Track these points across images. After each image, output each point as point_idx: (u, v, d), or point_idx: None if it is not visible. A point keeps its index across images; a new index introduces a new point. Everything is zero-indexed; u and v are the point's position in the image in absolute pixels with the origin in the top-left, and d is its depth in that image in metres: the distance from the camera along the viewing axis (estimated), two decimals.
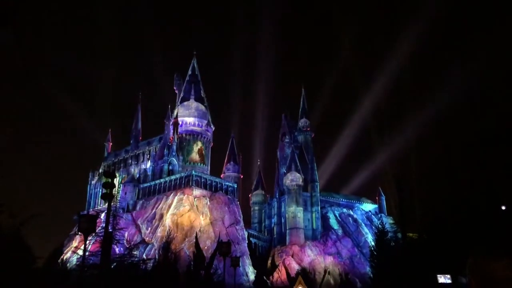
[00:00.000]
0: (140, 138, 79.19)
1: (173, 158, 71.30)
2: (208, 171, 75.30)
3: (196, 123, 77.02)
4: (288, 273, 63.82)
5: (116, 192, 65.20)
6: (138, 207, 66.55)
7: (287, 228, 74.40)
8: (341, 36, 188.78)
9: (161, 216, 61.29)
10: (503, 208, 20.77)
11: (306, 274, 60.89)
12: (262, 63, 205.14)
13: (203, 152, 76.60)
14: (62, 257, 54.74)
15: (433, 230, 23.27)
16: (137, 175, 73.03)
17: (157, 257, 50.74)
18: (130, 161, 76.14)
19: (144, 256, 53.37)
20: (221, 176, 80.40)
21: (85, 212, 68.07)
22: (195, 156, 75.24)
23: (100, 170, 78.14)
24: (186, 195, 62.06)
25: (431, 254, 21.68)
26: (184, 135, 75.74)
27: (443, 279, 18.98)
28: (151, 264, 38.10)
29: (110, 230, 20.18)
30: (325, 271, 66.11)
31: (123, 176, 73.76)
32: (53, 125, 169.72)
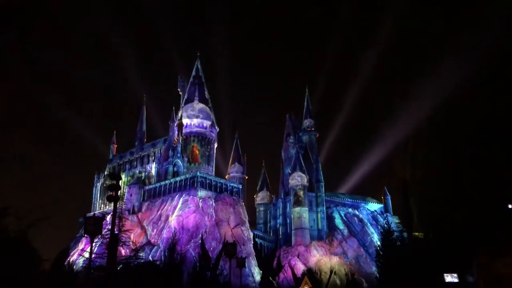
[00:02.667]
0: (145, 140, 79.44)
1: (178, 160, 71.43)
2: (213, 172, 75.38)
3: (201, 124, 77.14)
4: (294, 274, 63.75)
5: (121, 194, 65.44)
6: (143, 209, 66.73)
7: (293, 228, 74.34)
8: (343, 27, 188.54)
9: (167, 218, 61.42)
10: (510, 206, 20.66)
11: (312, 274, 60.80)
12: (265, 63, 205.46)
13: (208, 153, 76.71)
14: (68, 259, 54.95)
15: (439, 229, 23.19)
16: (142, 177, 73.25)
17: (163, 258, 50.84)
18: (135, 163, 76.36)
19: (150, 258, 53.56)
20: (226, 177, 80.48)
21: (91, 214, 68.33)
22: (199, 157, 75.37)
23: (105, 172, 78.43)
24: (191, 197, 62.16)
25: (437, 253, 21.61)
26: (188, 136, 75.86)
27: (450, 278, 18.89)
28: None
29: (116, 232, 20.24)
30: (331, 271, 66.00)
31: (128, 178, 74.00)
32: (58, 127, 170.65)
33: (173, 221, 59.81)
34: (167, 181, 67.68)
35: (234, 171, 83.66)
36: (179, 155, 71.78)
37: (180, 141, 73.22)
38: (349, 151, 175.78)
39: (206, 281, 42.05)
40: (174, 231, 57.12)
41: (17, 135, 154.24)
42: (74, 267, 44.27)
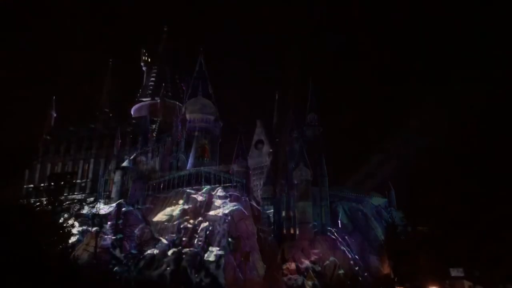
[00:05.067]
0: (149, 135, 79.50)
1: (182, 155, 71.51)
2: (217, 167, 75.41)
3: (204, 119, 77.14)
4: (298, 268, 63.86)
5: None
6: (147, 204, 66.84)
7: (296, 223, 74.34)
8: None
9: (171, 212, 61.55)
10: None
11: (316, 269, 60.90)
12: (270, 57, 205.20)
13: (211, 148, 76.74)
14: (73, 253, 55.26)
15: (445, 224, 23.16)
16: (147, 172, 73.33)
17: (169, 253, 51.09)
18: (139, 158, 76.47)
19: (155, 253, 53.84)
20: (230, 171, 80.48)
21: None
22: (203, 152, 75.41)
23: (109, 168, 78.51)
24: (195, 191, 62.26)
25: (443, 247, 21.57)
26: (192, 131, 75.88)
27: (456, 272, 18.84)
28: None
29: (121, 227, 20.35)
30: (335, 265, 66.09)
31: (133, 172, 74.09)
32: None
33: (177, 215, 59.91)
34: (171, 176, 67.79)
35: (238, 165, 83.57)
36: (183, 150, 71.86)
37: (184, 136, 73.31)
38: (354, 145, 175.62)
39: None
40: (179, 225, 57.35)
41: None
42: (79, 261, 44.51)
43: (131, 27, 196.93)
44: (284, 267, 65.41)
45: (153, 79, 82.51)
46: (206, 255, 53.46)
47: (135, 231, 57.51)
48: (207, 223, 58.10)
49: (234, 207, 62.93)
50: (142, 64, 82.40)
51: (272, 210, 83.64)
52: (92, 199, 64.32)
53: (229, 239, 55.22)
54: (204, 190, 62.75)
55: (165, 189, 66.94)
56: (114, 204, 61.09)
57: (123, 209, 60.27)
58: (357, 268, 65.52)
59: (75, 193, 66.45)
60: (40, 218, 21.05)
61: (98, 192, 78.59)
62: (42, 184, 65.57)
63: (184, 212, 60.11)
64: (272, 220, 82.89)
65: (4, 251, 15.99)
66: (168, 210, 62.32)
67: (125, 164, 66.66)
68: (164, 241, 56.75)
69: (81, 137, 73.18)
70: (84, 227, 56.83)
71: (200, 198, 61.51)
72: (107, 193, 65.93)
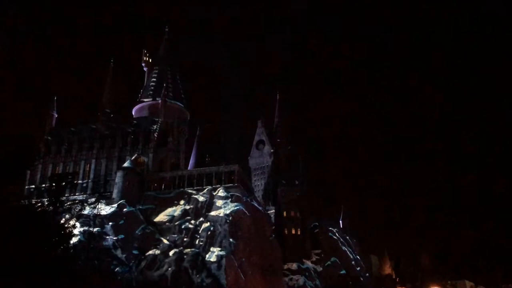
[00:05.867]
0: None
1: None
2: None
3: None
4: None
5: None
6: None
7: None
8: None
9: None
10: None
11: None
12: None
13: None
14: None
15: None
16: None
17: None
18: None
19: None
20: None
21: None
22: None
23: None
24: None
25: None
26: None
27: None
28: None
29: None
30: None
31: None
32: None
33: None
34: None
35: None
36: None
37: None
38: None
39: None
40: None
41: None
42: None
43: (132, 27, 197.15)
44: (286, 267, 65.38)
45: (154, 79, 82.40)
46: (207, 255, 53.47)
47: (137, 232, 57.58)
48: (208, 224, 58.02)
49: (236, 208, 62.78)
50: (143, 64, 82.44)
51: (273, 210, 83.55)
52: (93, 199, 64.16)
53: (231, 239, 55.15)
54: (205, 190, 62.69)
55: (166, 189, 66.85)
56: (115, 205, 61.12)
57: (125, 209, 60.32)
58: (358, 269, 65.41)
59: (77, 194, 66.27)
60: (41, 218, 20.99)
61: (99, 193, 78.81)
62: (44, 185, 65.47)
63: (185, 212, 60.08)
64: (273, 220, 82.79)
65: (4, 251, 15.99)
66: (169, 210, 62.27)
67: (126, 164, 66.42)
68: (166, 241, 56.78)
69: (82, 138, 72.87)
70: (86, 228, 56.87)
71: (201, 198, 61.46)
72: (109, 193, 65.81)
